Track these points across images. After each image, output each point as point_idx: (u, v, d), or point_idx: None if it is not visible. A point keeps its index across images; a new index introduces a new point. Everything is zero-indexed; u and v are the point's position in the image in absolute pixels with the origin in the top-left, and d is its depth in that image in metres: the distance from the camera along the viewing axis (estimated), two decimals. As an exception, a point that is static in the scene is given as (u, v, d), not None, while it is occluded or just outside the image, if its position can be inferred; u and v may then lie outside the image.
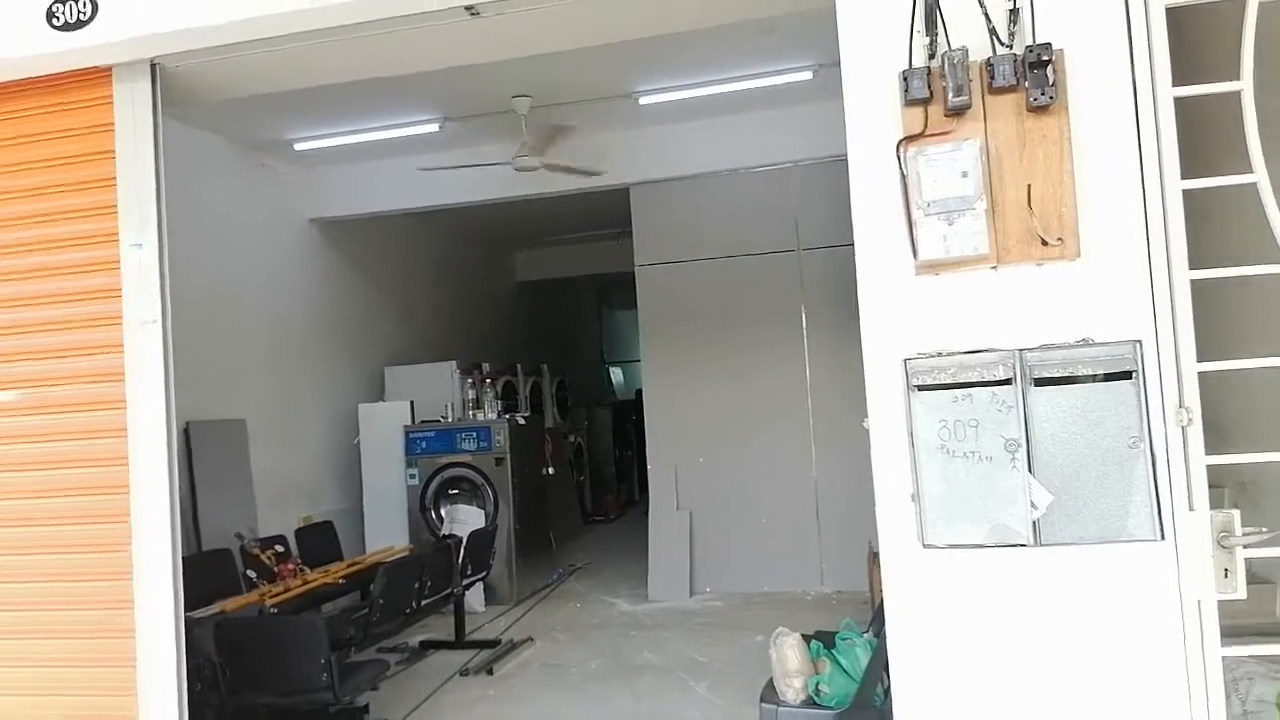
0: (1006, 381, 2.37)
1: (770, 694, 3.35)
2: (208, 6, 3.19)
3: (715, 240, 7.61)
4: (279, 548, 5.69)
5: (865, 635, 3.40)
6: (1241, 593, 2.25)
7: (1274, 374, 2.33)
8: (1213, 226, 2.80)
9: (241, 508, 6.43)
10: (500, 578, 7.52)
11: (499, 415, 8.26)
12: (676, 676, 5.49)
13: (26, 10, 3.32)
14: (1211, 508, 2.28)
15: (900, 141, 2.48)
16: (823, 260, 7.30)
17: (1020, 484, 2.35)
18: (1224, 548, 2.25)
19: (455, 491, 7.89)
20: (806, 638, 3.42)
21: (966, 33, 2.46)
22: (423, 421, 8.10)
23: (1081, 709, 2.34)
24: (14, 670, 3.49)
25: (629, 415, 12.25)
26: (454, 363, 8.67)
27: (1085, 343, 2.36)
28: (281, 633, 4.43)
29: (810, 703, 3.24)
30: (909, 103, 2.48)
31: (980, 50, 2.44)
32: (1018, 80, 2.39)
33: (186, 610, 3.45)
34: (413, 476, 7.89)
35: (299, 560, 5.75)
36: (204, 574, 5.04)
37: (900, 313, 2.50)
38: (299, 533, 6.37)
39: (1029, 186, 2.40)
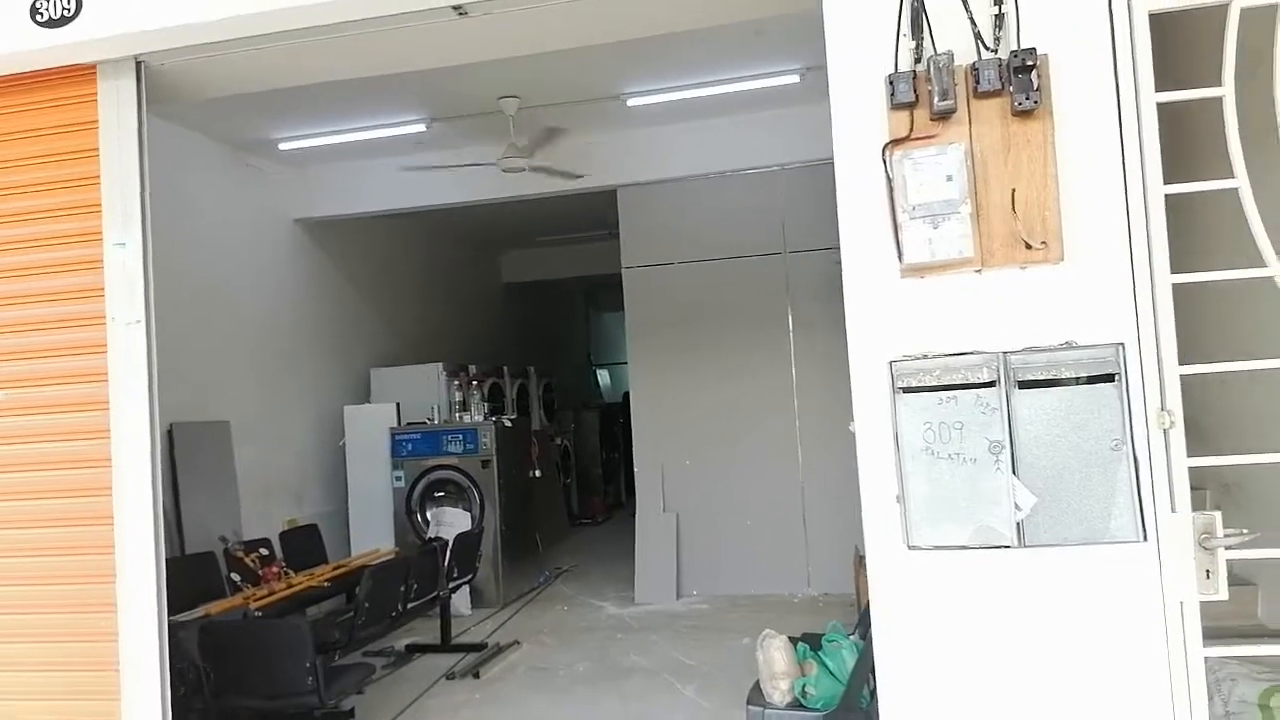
0: (991, 384, 2.39)
1: (757, 696, 3.35)
2: (193, 4, 3.17)
3: (702, 242, 7.62)
4: (263, 551, 5.66)
5: (851, 637, 3.41)
6: (1223, 594, 2.27)
7: (1255, 376, 2.36)
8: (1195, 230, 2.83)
9: (225, 510, 6.39)
10: (487, 581, 7.50)
11: (485, 417, 8.24)
12: (663, 679, 5.49)
13: (9, 6, 3.29)
14: (1194, 509, 2.31)
15: (886, 145, 2.50)
16: (809, 263, 7.32)
17: (1004, 486, 2.37)
18: (1206, 549, 2.27)
19: (441, 494, 7.87)
20: (793, 640, 3.43)
21: (952, 37, 2.48)
22: (409, 424, 8.07)
23: (1065, 709, 2.35)
24: (-5, 674, 3.46)
25: (616, 418, 12.25)
26: (440, 365, 8.64)
27: (1069, 345, 2.38)
28: (266, 636, 4.40)
29: (797, 705, 3.24)
30: (895, 106, 2.49)
31: (966, 55, 2.46)
32: (1002, 85, 2.40)
33: (170, 614, 3.42)
34: (399, 479, 7.86)
35: (284, 563, 5.72)
36: (188, 577, 5.00)
37: (886, 315, 2.52)
38: (284, 535, 6.33)
39: (1013, 190, 2.42)
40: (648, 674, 5.61)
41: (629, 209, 7.81)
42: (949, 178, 2.43)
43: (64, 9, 3.27)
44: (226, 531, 6.01)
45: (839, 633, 3.43)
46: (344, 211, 7.87)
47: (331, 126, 6.65)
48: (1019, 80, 2.38)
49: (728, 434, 7.52)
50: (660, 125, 7.01)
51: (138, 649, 3.29)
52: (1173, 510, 2.31)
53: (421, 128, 6.66)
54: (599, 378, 16.17)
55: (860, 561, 5.53)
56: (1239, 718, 2.88)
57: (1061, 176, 2.41)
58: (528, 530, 8.57)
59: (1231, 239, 2.53)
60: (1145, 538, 2.31)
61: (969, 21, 2.48)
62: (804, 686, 3.24)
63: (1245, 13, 2.35)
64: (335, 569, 5.96)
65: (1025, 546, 2.36)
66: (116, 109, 3.45)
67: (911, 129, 2.48)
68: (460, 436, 7.87)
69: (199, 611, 4.64)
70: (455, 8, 3.16)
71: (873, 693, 2.84)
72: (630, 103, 6.39)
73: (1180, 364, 2.33)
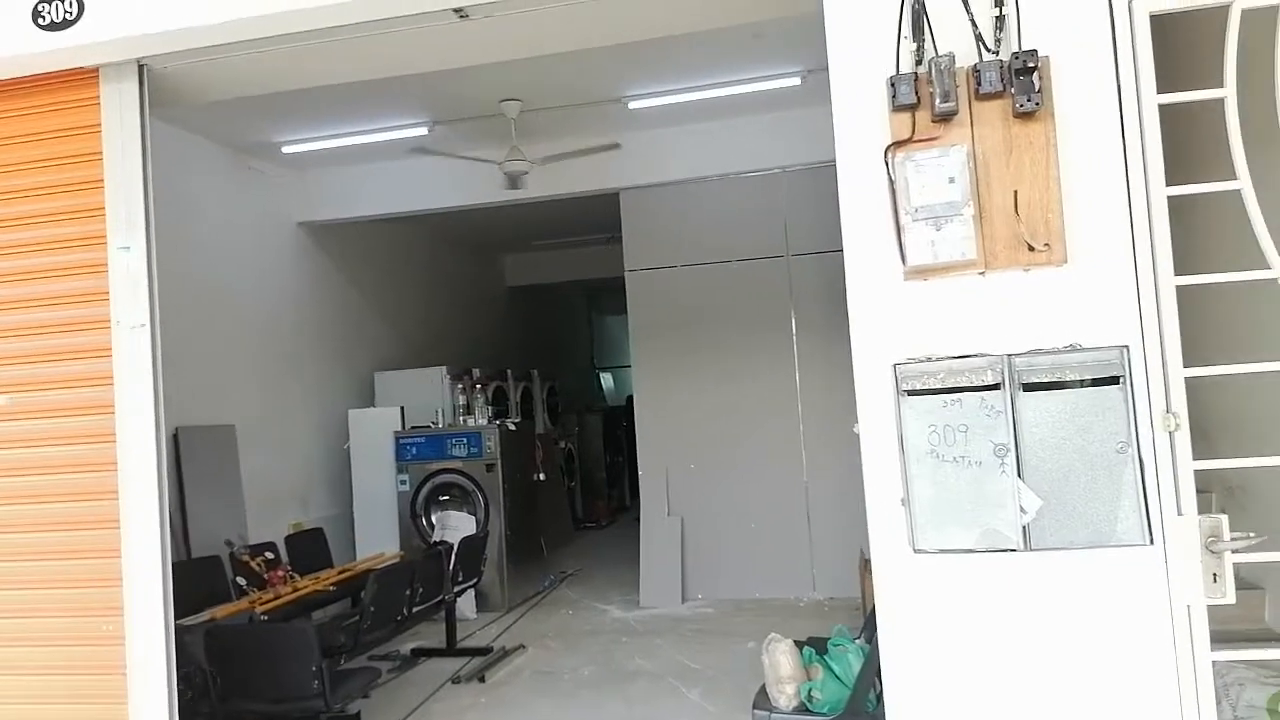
0: (995, 386, 2.38)
1: (763, 700, 3.35)
2: (196, 7, 3.18)
3: (705, 245, 7.62)
4: (269, 554, 5.67)
5: (857, 641, 3.41)
6: (1231, 598, 2.26)
7: (1255, 378, 2.35)
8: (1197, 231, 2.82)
9: (231, 514, 6.40)
10: (492, 584, 7.49)
11: (489, 421, 8.23)
12: (669, 683, 5.48)
13: (11, 9, 3.30)
14: (1199, 513, 2.30)
15: (888, 147, 2.49)
16: (812, 265, 7.31)
17: (1010, 489, 2.36)
18: (1213, 553, 2.26)
19: (446, 498, 7.86)
20: (799, 644, 3.42)
21: (953, 39, 2.48)
22: (413, 427, 8.07)
23: (1073, 714, 2.34)
24: (3, 678, 3.46)
25: (620, 421, 12.24)
26: (444, 368, 8.65)
27: (1073, 348, 2.37)
28: (272, 640, 4.40)
29: (803, 709, 3.24)
30: (897, 108, 2.49)
31: (967, 56, 2.46)
32: (1004, 86, 2.40)
33: (176, 618, 3.42)
34: (403, 482, 7.87)
35: (289, 567, 5.72)
36: (194, 581, 5.01)
37: (889, 318, 2.51)
38: (289, 539, 6.34)
39: (1016, 192, 2.42)
40: (653, 678, 5.60)
41: (631, 212, 7.81)
42: (951, 180, 2.43)
43: (66, 12, 3.28)
44: (232, 535, 6.02)
45: (845, 637, 3.43)
46: (347, 215, 7.88)
47: (334, 130, 6.66)
48: (1020, 82, 2.38)
49: (731, 437, 7.51)
50: (662, 128, 7.01)
51: (144, 653, 3.30)
52: (1179, 513, 2.30)
53: (423, 131, 6.67)
54: (602, 381, 16.17)
55: (865, 565, 5.51)
56: (1246, 721, 2.87)
57: (1064, 178, 2.40)
58: (532, 534, 8.56)
59: (1222, 239, 2.52)
60: (1152, 541, 2.30)
61: (970, 23, 2.47)
62: (810, 691, 3.24)
63: (1245, 14, 2.34)
64: (340, 573, 5.96)
65: (1031, 550, 2.36)
66: (119, 112, 3.45)
67: (913, 131, 2.48)
68: (464, 440, 7.87)
69: (204, 615, 4.65)
70: (457, 10, 3.17)
71: (879, 697, 2.83)
72: (632, 105, 6.40)
73: (1184, 366, 2.32)
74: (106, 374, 3.39)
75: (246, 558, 5.50)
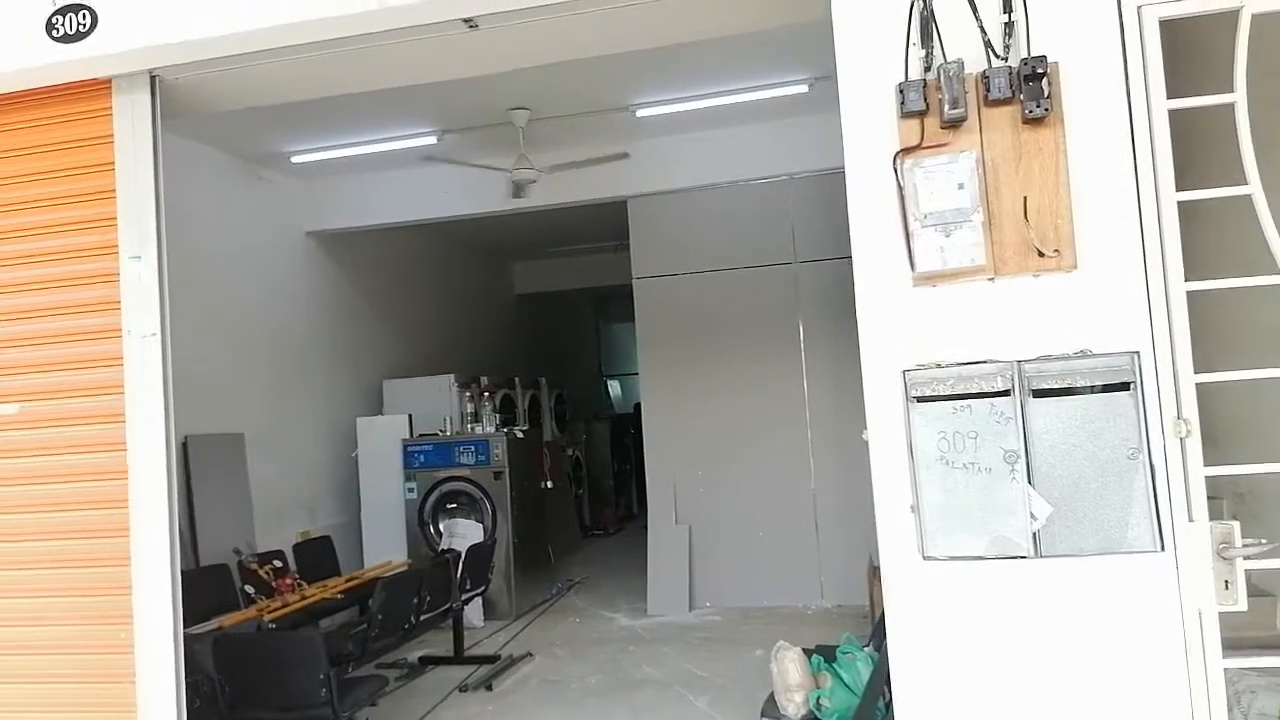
0: (1005, 393, 2.38)
1: (771, 708, 3.34)
2: (207, 18, 3.20)
3: (712, 253, 7.63)
4: (277, 563, 5.67)
5: (866, 649, 3.40)
6: (1242, 604, 2.25)
7: (1262, 382, 2.34)
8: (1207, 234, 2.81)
9: (239, 522, 6.41)
10: (499, 592, 7.49)
11: (497, 429, 8.24)
12: (676, 691, 5.46)
13: (26, 22, 3.33)
14: (1210, 519, 2.28)
15: (897, 154, 2.49)
16: (820, 272, 7.31)
17: (1020, 495, 2.35)
18: (1224, 559, 2.25)
19: (454, 505, 7.87)
20: (807, 652, 3.41)
21: (962, 45, 2.48)
22: (421, 435, 8.08)
23: (1083, 721, 2.33)
24: (12, 686, 3.47)
25: (627, 428, 12.24)
26: (452, 376, 8.66)
27: (1083, 354, 2.36)
28: (280, 648, 4.41)
29: (812, 717, 3.23)
30: (905, 115, 2.49)
31: (976, 63, 2.46)
32: (1013, 93, 2.40)
33: (185, 626, 3.43)
34: (411, 490, 7.87)
35: (297, 575, 5.72)
36: (202, 590, 5.01)
37: (898, 324, 2.51)
38: (297, 548, 6.35)
39: (1025, 198, 2.41)
40: (660, 686, 5.58)
41: (639, 220, 7.82)
42: (960, 186, 2.43)
43: (79, 24, 3.30)
44: (240, 544, 6.04)
45: (853, 644, 3.42)
46: (356, 224, 7.92)
47: (343, 139, 6.70)
48: (1030, 88, 2.38)
49: (739, 444, 7.50)
50: (669, 136, 7.03)
51: (153, 661, 3.30)
52: (1190, 520, 2.29)
53: (432, 140, 6.70)
54: (610, 388, 16.18)
55: (874, 572, 5.50)
56: (1259, 730, 2.85)
57: (1074, 184, 2.40)
58: (540, 542, 8.56)
59: (1221, 242, 2.52)
60: (1163, 548, 2.29)
61: (979, 30, 2.48)
62: (819, 699, 3.23)
63: (1255, 18, 2.34)
64: (348, 581, 5.97)
65: (1042, 557, 2.35)
66: (131, 123, 3.48)
67: (922, 137, 2.48)
68: (472, 448, 7.88)
69: (213, 624, 4.65)
70: (466, 21, 3.19)
71: (888, 705, 2.82)
72: (639, 113, 6.42)
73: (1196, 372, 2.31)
74: (118, 383, 3.40)
75: (255, 566, 5.51)
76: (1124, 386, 2.33)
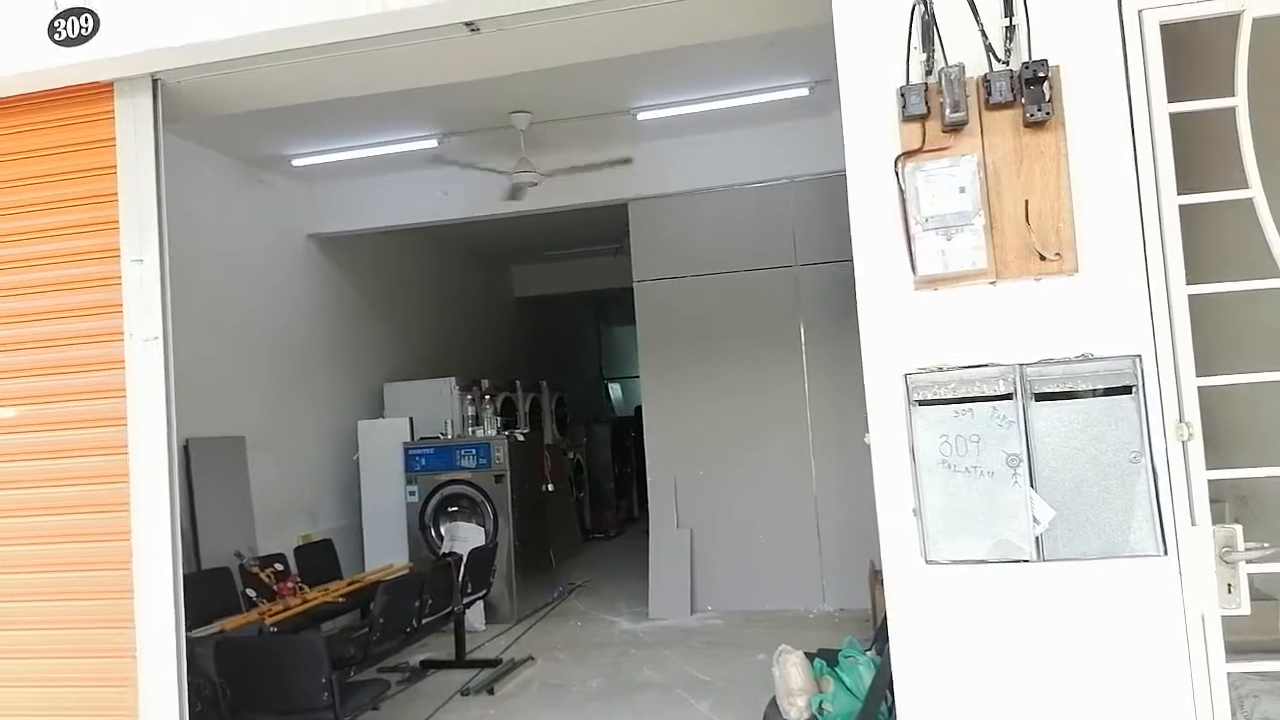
0: (1007, 396, 2.37)
1: (773, 713, 3.33)
2: (209, 22, 3.21)
3: (713, 256, 7.62)
4: (278, 566, 5.68)
5: (868, 653, 3.39)
6: (1245, 608, 2.25)
7: (1264, 386, 2.33)
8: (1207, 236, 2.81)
9: (241, 526, 6.41)
10: (500, 596, 7.48)
11: (498, 432, 8.24)
12: (677, 695, 5.45)
13: (28, 25, 3.34)
14: (1213, 523, 2.28)
15: (898, 157, 2.50)
16: (821, 275, 7.31)
17: (1022, 499, 2.35)
18: (1227, 563, 2.25)
19: (455, 509, 7.86)
20: (809, 656, 3.41)
21: (963, 49, 2.49)
22: (422, 438, 8.08)
23: (1086, 725, 2.32)
24: (14, 690, 3.47)
25: (628, 431, 12.23)
26: (453, 379, 8.66)
27: (1085, 357, 2.36)
28: (282, 652, 4.40)
29: (813, 721, 3.22)
30: (907, 118, 2.49)
31: (977, 67, 2.47)
32: (1014, 96, 2.41)
33: (186, 629, 3.43)
34: (412, 493, 7.87)
35: (298, 579, 5.73)
36: (204, 593, 5.02)
37: (900, 328, 2.51)
38: (298, 551, 6.34)
39: (1026, 202, 2.42)
40: (661, 690, 5.57)
41: (639, 222, 7.82)
42: (961, 189, 2.43)
43: (81, 28, 3.31)
44: (242, 547, 6.04)
45: (856, 648, 3.41)
46: (356, 227, 7.92)
47: (344, 142, 6.71)
48: (1031, 92, 2.38)
49: (740, 447, 7.49)
50: (670, 139, 7.03)
51: (155, 665, 3.30)
52: (1193, 523, 2.28)
53: (433, 143, 6.71)
54: (610, 391, 16.17)
55: (876, 576, 5.49)
56: (1263, 734, 2.84)
57: (1075, 187, 2.40)
58: (541, 545, 8.55)
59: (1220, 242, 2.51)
60: (1165, 552, 2.29)
61: (980, 33, 2.48)
62: (821, 703, 3.22)
63: (1256, 22, 2.34)
64: (350, 584, 5.96)
65: (1044, 560, 2.34)
66: (133, 126, 3.48)
67: (924, 141, 2.48)
68: (473, 451, 7.88)
69: (215, 627, 4.65)
70: (468, 24, 3.19)
71: (891, 709, 2.81)
72: (640, 117, 6.42)
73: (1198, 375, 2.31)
74: (119, 386, 3.40)
75: (256, 569, 5.51)
76: (1126, 390, 2.33)
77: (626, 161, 6.78)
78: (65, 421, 3.49)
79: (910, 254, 2.47)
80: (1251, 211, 2.35)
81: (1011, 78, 2.41)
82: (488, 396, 8.79)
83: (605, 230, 8.69)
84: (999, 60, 2.46)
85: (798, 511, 7.33)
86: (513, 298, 12.67)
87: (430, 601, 5.38)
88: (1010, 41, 2.46)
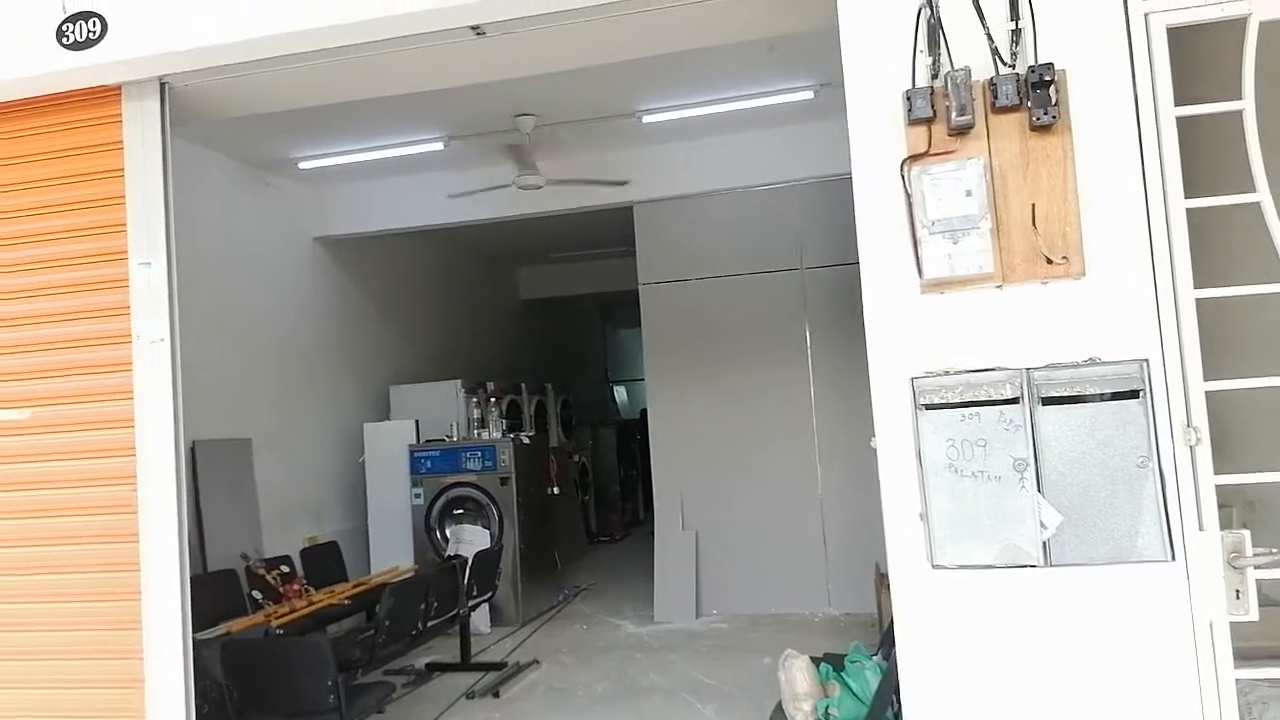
0: (1014, 400, 2.37)
1: (779, 717, 3.33)
2: (216, 26, 3.22)
3: (719, 259, 7.62)
4: (284, 568, 5.68)
5: (874, 658, 3.38)
6: (1254, 614, 2.24)
7: (1272, 390, 2.32)
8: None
9: (247, 528, 6.42)
10: (506, 599, 7.48)
11: (504, 434, 8.25)
12: (683, 699, 5.45)
13: (36, 29, 3.36)
14: (1220, 527, 2.27)
15: (904, 160, 2.49)
16: (826, 278, 7.30)
17: (1029, 504, 2.34)
18: (1235, 568, 2.24)
19: (460, 511, 7.87)
20: (815, 660, 3.40)
21: (969, 53, 2.48)
22: (428, 441, 8.09)
23: (1093, 731, 2.31)
24: (21, 692, 3.48)
25: (633, 434, 12.23)
26: (458, 381, 8.67)
27: (1092, 361, 2.35)
28: (288, 654, 4.41)
29: (818, 725, 3.21)
30: (913, 122, 2.49)
31: (983, 70, 2.46)
32: (1020, 100, 2.40)
33: (193, 631, 3.43)
34: (418, 496, 7.88)
35: (304, 581, 5.73)
36: (210, 595, 5.03)
37: (906, 331, 2.50)
38: (304, 553, 6.36)
39: (1033, 205, 2.41)
40: (667, 694, 5.57)
41: (645, 225, 7.83)
42: (968, 193, 2.43)
43: (90, 32, 3.33)
44: (248, 549, 6.05)
45: (862, 653, 3.40)
46: (362, 230, 7.93)
47: (350, 145, 6.72)
48: (1037, 95, 2.38)
49: (746, 450, 7.49)
50: (676, 142, 7.03)
51: (163, 667, 3.31)
52: (1201, 529, 2.27)
53: (439, 146, 6.72)
54: (616, 394, 16.17)
55: (882, 580, 5.48)
56: (1271, 740, 2.83)
57: (1082, 191, 2.40)
58: (546, 548, 8.55)
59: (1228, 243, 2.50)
60: (1173, 557, 2.28)
61: (986, 37, 2.48)
62: (827, 708, 3.21)
63: (1263, 26, 2.34)
64: (355, 587, 5.97)
65: (1052, 566, 2.34)
66: (141, 129, 3.50)
67: (930, 144, 2.48)
68: (479, 453, 7.88)
69: (221, 629, 4.66)
70: (474, 28, 3.20)
71: (897, 715, 2.81)
72: (646, 120, 6.42)
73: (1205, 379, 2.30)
74: (127, 389, 3.41)
75: (262, 571, 5.52)
76: (1133, 394, 2.32)
77: (624, 183, 6.79)
78: (73, 423, 3.50)
79: (916, 257, 2.46)
80: (1259, 214, 2.34)
81: (1017, 81, 2.40)
82: (493, 399, 8.79)
83: (611, 233, 8.69)
84: (1005, 64, 2.45)
85: (803, 515, 7.32)
86: (518, 300, 12.68)
87: (436, 604, 5.38)
88: (1016, 45, 2.45)
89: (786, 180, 7.16)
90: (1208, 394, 2.31)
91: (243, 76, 3.45)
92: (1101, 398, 2.33)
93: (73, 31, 3.34)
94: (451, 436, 8.12)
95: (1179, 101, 2.37)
